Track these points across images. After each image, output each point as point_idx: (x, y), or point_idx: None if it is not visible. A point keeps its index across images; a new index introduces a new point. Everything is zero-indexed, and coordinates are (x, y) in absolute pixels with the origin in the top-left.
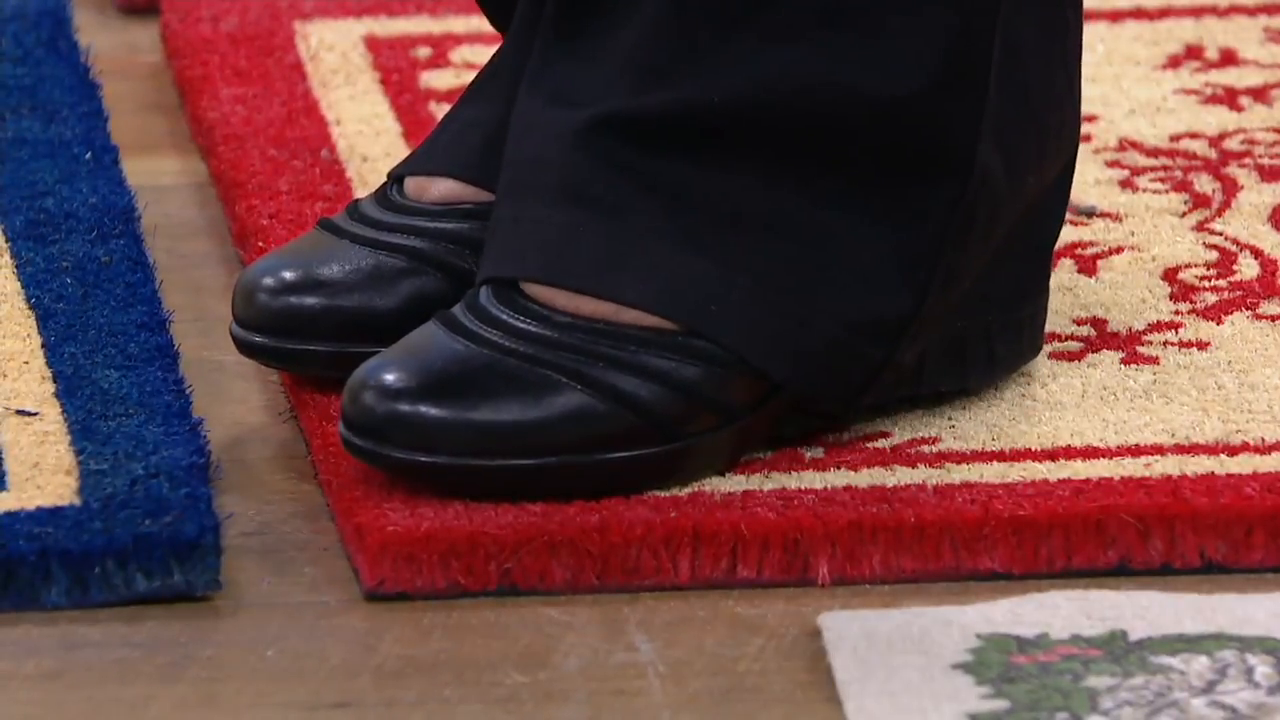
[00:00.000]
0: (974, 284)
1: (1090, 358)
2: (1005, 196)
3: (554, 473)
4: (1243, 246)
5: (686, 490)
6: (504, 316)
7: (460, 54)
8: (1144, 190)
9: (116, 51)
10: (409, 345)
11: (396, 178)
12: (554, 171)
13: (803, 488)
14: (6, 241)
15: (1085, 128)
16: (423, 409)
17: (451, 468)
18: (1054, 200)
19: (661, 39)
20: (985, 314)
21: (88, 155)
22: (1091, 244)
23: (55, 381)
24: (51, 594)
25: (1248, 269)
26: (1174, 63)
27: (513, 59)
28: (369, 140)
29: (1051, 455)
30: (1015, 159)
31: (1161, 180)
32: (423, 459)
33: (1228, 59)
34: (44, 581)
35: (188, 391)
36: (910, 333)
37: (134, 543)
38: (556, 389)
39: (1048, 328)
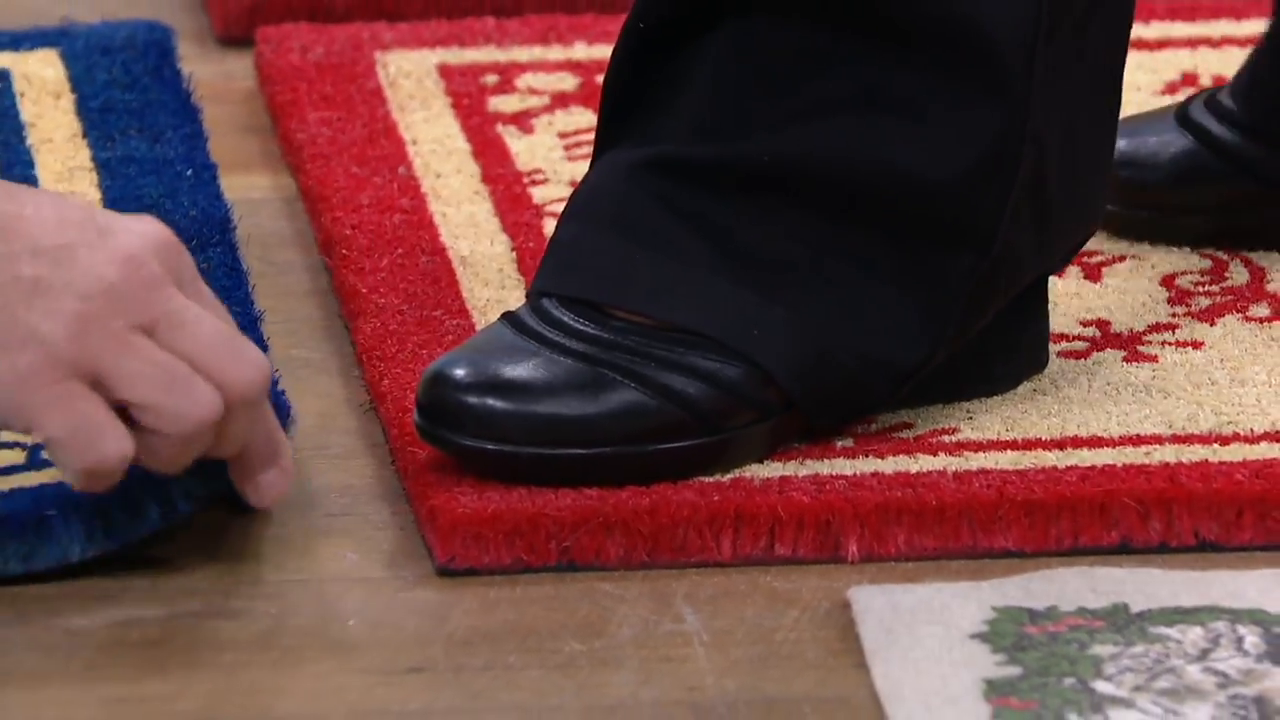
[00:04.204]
0: None
1: (1095, 356)
2: (1032, 262)
3: (609, 461)
4: (1234, 256)
5: (728, 477)
6: (565, 318)
7: (524, 80)
8: None
9: (215, 79)
10: (479, 343)
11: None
12: (608, 201)
13: (834, 473)
14: None
15: None
16: (490, 401)
17: (517, 455)
18: None
19: (717, 107)
20: (981, 336)
21: (189, 172)
22: (1097, 253)
23: None
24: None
25: (1238, 276)
26: (1171, 89)
27: None
28: (441, 158)
29: (1060, 444)
30: (1051, 236)
31: None
32: (490, 447)
33: (1220, 85)
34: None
35: (277, 385)
36: (919, 376)
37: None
38: (612, 386)
39: (1057, 329)
